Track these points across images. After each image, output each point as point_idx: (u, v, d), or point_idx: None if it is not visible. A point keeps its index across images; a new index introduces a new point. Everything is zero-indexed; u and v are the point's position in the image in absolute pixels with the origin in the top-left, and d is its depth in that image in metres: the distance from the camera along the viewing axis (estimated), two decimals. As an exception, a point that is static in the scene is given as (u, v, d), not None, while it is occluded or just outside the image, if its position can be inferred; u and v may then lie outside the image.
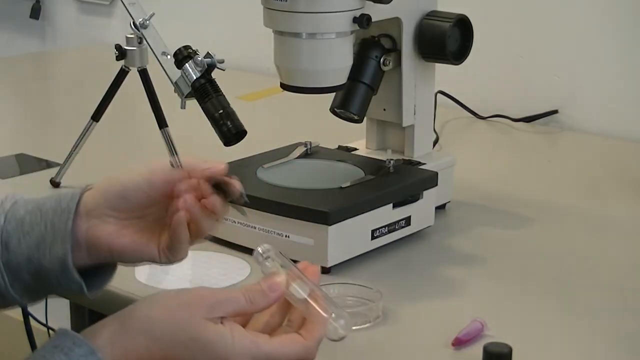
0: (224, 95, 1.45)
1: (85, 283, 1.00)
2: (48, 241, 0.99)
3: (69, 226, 0.98)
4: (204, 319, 0.90)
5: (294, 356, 0.91)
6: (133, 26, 1.58)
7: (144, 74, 1.61)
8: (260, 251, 0.95)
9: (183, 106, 1.50)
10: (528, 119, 2.03)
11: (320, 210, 1.28)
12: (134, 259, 1.02)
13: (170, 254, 1.00)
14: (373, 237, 1.34)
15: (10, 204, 1.02)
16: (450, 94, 2.04)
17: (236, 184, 0.99)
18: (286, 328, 0.94)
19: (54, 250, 0.98)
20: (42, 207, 1.01)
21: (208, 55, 1.46)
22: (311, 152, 1.50)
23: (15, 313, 2.60)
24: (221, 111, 1.43)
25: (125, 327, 0.91)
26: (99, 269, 1.03)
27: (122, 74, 1.61)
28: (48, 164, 1.75)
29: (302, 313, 0.93)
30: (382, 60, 1.44)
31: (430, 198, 1.42)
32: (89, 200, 1.00)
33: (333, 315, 0.91)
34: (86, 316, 1.68)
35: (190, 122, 1.58)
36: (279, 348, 0.90)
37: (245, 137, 1.43)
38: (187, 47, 1.47)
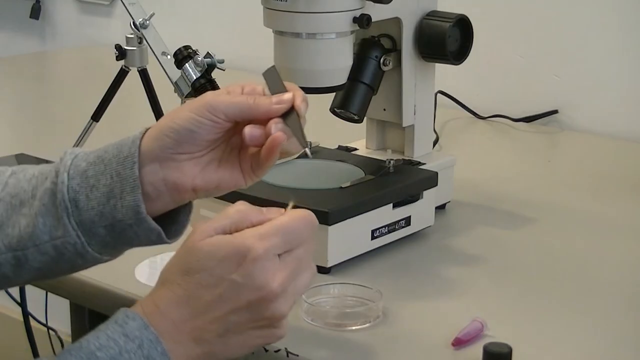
0: (224, 95, 1.45)
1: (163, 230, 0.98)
2: (117, 192, 0.95)
3: (135, 173, 0.95)
4: (197, 242, 0.88)
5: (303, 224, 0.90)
6: (133, 26, 1.58)
7: (144, 74, 1.61)
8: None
9: (183, 106, 1.50)
10: (528, 119, 2.03)
11: (320, 210, 1.28)
12: (219, 192, 1.00)
13: (255, 174, 0.99)
14: (373, 237, 1.34)
15: (71, 159, 0.98)
16: (450, 94, 2.04)
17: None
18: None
19: (125, 200, 0.95)
20: (104, 156, 0.97)
21: (208, 55, 1.46)
22: (311, 152, 1.49)
23: (15, 313, 2.61)
24: (221, 111, 1.42)
25: (159, 304, 0.89)
26: (172, 213, 1.00)
27: (122, 74, 1.61)
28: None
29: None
30: (382, 60, 1.43)
31: (430, 198, 1.42)
32: (149, 145, 0.96)
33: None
34: (86, 316, 1.68)
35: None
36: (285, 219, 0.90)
37: (245, 137, 1.43)
38: (187, 47, 1.47)
